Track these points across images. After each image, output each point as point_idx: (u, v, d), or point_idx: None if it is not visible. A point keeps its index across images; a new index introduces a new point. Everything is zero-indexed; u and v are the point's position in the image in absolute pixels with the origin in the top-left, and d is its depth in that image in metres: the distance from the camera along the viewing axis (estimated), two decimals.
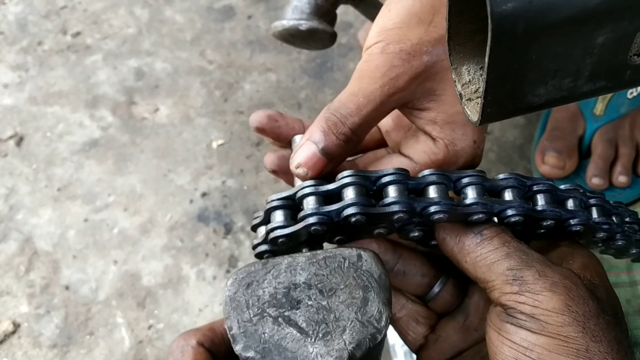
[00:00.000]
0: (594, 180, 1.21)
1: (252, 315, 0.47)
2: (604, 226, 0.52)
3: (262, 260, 0.49)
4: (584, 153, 1.27)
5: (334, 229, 0.50)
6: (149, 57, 1.59)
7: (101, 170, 1.37)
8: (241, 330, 0.47)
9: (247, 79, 1.52)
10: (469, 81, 0.42)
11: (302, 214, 0.48)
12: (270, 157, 0.58)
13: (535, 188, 0.50)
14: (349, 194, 0.47)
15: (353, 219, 0.46)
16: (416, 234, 0.53)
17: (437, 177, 0.48)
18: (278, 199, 0.49)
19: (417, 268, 0.56)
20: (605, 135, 1.23)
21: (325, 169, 0.50)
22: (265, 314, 0.47)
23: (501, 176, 0.49)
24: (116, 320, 1.16)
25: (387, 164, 0.53)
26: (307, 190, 0.48)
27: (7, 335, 1.15)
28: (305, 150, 0.49)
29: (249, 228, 1.25)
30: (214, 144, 1.40)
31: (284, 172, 0.58)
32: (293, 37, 0.76)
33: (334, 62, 1.53)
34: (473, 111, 0.41)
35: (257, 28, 1.63)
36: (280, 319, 0.47)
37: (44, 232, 1.28)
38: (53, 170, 1.37)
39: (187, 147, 1.39)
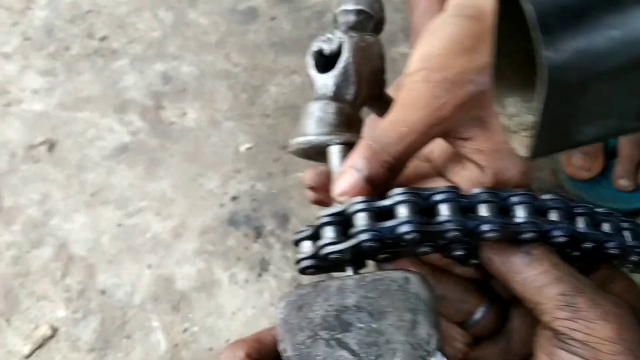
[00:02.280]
0: (621, 182, 1.21)
1: (305, 338, 0.49)
2: (637, 249, 0.53)
3: (312, 283, 0.50)
4: (610, 154, 1.26)
5: (383, 246, 0.51)
6: (174, 60, 1.60)
7: (132, 175, 1.39)
8: (295, 353, 0.48)
9: (273, 82, 1.53)
10: (515, 114, 0.42)
11: (354, 229, 0.48)
12: (310, 174, 0.58)
13: (576, 210, 0.51)
14: (403, 211, 0.47)
15: (408, 237, 0.47)
16: (460, 252, 0.54)
17: (489, 196, 0.48)
18: (329, 215, 0.50)
19: (457, 294, 0.56)
20: (632, 135, 1.23)
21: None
22: (318, 337, 0.49)
23: (547, 196, 0.50)
24: (152, 323, 1.19)
25: None
26: (359, 207, 0.49)
27: (46, 340, 1.18)
28: (348, 178, 0.50)
29: (279, 232, 1.27)
30: (242, 148, 1.42)
31: (322, 189, 0.58)
32: (319, 155, 0.60)
33: None
34: (520, 145, 0.41)
35: (280, 30, 1.64)
36: (332, 342, 0.48)
37: (79, 237, 1.30)
38: (85, 175, 1.40)
39: (216, 151, 1.41)
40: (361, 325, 0.48)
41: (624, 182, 1.21)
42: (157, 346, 1.16)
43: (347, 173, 0.50)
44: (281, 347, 0.48)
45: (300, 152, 0.60)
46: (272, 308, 1.19)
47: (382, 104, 0.67)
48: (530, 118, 0.43)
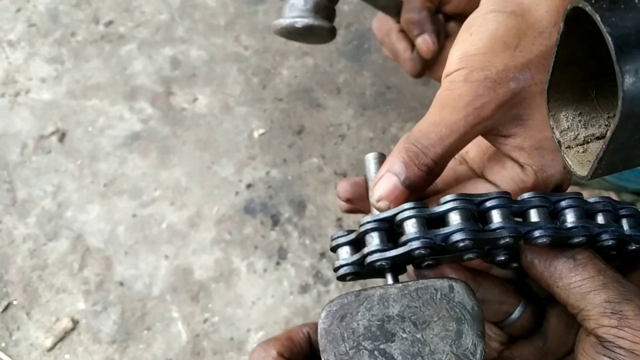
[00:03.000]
0: None
1: (348, 349, 0.48)
2: None
3: (354, 292, 0.49)
4: None
5: (432, 254, 0.50)
6: (183, 44, 1.58)
7: (145, 164, 1.38)
8: None
9: (284, 64, 1.51)
10: (567, 128, 0.41)
11: (405, 237, 0.47)
12: (344, 186, 0.56)
13: (621, 212, 0.50)
14: (456, 219, 0.46)
15: (461, 244, 0.46)
16: (502, 258, 0.53)
17: (539, 201, 0.47)
18: (374, 221, 0.49)
19: (496, 296, 0.55)
20: None
21: (407, 200, 0.49)
22: (361, 347, 0.48)
23: (594, 200, 0.49)
24: (172, 314, 1.19)
25: (472, 190, 0.52)
26: (409, 213, 0.47)
27: (67, 332, 1.18)
28: (386, 182, 0.48)
29: (296, 219, 1.26)
30: (255, 134, 1.40)
31: (359, 200, 0.56)
32: (291, 34, 0.81)
33: (371, 44, 1.50)
34: (574, 161, 0.40)
35: None
36: (376, 352, 0.48)
37: (94, 228, 1.29)
38: (97, 165, 1.38)
39: (229, 138, 1.40)
40: (405, 335, 0.48)
41: None
42: (178, 337, 1.16)
43: (385, 178, 0.49)
44: (324, 357, 0.47)
45: (278, 32, 0.80)
46: (291, 297, 1.18)
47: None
48: (584, 132, 0.42)
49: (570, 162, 0.40)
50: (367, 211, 0.56)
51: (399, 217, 0.47)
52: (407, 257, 0.48)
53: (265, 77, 1.49)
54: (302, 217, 1.27)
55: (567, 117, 0.41)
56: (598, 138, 0.42)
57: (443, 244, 0.46)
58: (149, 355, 1.15)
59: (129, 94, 1.50)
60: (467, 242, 0.45)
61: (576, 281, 0.46)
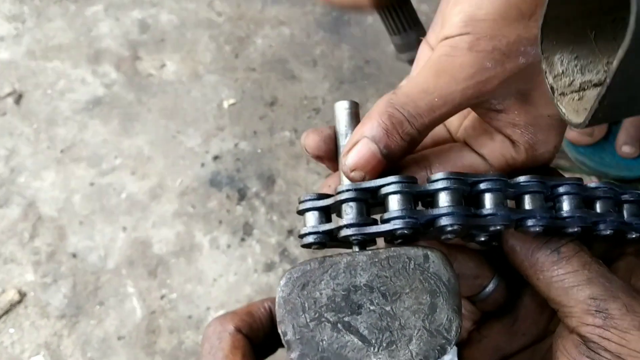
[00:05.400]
0: (625, 149, 1.17)
1: (308, 320, 0.42)
2: None
3: (319, 258, 0.43)
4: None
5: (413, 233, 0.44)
6: (153, 7, 1.50)
7: (106, 130, 1.30)
8: (297, 337, 0.42)
9: (259, 33, 1.44)
10: (562, 72, 0.36)
11: (388, 215, 0.41)
12: (314, 140, 0.46)
13: (623, 197, 0.45)
14: (446, 200, 0.40)
15: (449, 229, 0.40)
16: (482, 239, 0.48)
17: (536, 186, 0.42)
18: (353, 190, 0.42)
19: (471, 270, 0.51)
20: None
21: (383, 171, 0.42)
22: (323, 319, 0.42)
23: (595, 185, 0.44)
24: (127, 289, 1.12)
25: (457, 161, 0.46)
26: (394, 188, 0.41)
27: (13, 305, 1.11)
28: (363, 149, 0.42)
29: (264, 194, 1.19)
30: (225, 104, 1.33)
31: (330, 159, 0.49)
32: None
33: (351, 16, 1.45)
34: (569, 108, 0.35)
35: None
36: (339, 325, 0.42)
37: (48, 196, 1.22)
38: (55, 130, 1.30)
39: (197, 107, 1.33)
40: (373, 307, 0.42)
41: (627, 149, 1.17)
42: (133, 313, 1.09)
43: (362, 144, 0.42)
44: (281, 329, 0.42)
45: None
46: (255, 275, 1.12)
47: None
48: (580, 78, 0.37)
49: (564, 110, 0.34)
50: (334, 170, 0.50)
51: (382, 191, 0.42)
52: (386, 234, 0.42)
53: (239, 46, 1.42)
54: (271, 192, 1.21)
55: (561, 61, 0.35)
56: (595, 85, 0.37)
57: (430, 227, 0.41)
58: (100, 331, 1.08)
59: (93, 56, 1.42)
60: (455, 227, 0.40)
61: (559, 275, 0.42)
